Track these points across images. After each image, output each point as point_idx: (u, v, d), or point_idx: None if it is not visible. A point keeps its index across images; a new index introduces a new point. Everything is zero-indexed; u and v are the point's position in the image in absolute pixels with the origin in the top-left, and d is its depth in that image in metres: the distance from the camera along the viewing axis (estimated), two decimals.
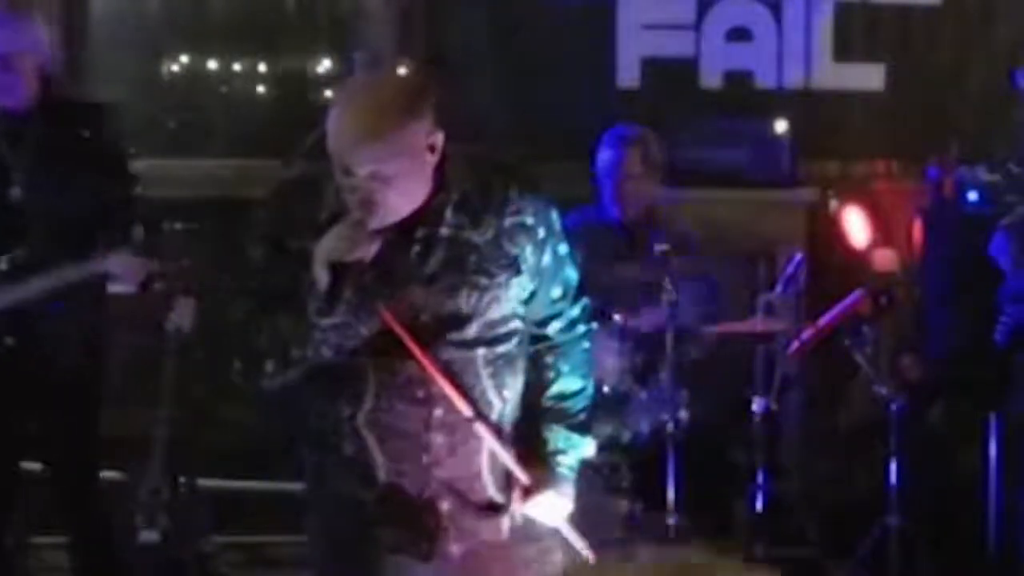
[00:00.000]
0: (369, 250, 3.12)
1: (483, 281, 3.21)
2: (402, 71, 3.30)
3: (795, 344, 5.83)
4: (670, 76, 7.02)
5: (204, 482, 5.89)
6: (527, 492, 3.34)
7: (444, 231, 3.20)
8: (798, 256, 5.99)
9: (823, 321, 5.79)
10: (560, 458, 3.40)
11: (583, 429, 3.42)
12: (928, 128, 6.91)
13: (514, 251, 3.25)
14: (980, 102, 6.96)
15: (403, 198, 3.14)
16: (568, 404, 3.41)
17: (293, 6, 7.48)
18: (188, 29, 7.39)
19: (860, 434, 6.37)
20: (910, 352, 6.17)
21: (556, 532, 3.41)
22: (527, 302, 3.31)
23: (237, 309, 3.29)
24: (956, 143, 6.54)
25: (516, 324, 3.30)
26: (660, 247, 5.52)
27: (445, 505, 3.29)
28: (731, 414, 5.99)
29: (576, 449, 3.41)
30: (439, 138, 3.15)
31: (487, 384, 3.26)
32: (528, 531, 3.37)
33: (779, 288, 5.93)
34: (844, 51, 7.01)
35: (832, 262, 6.53)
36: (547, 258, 3.30)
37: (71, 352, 4.95)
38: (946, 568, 5.75)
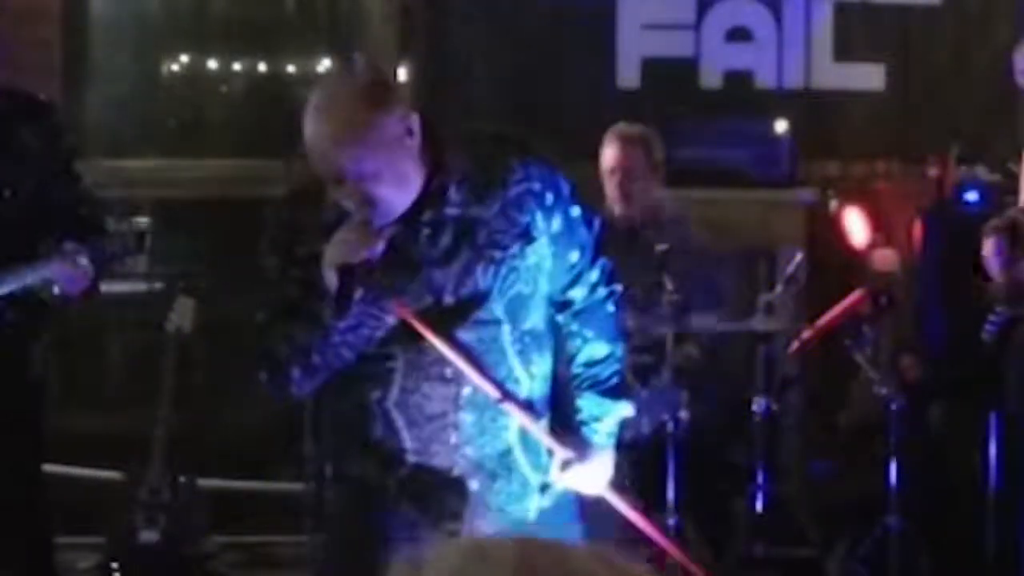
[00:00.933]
0: (375, 248, 3.13)
1: (497, 254, 3.22)
2: (356, 71, 3.29)
3: (795, 344, 5.83)
4: (670, 76, 7.03)
5: (204, 482, 5.89)
6: (565, 463, 3.33)
7: (450, 211, 3.21)
8: (798, 256, 5.99)
9: (823, 321, 5.79)
10: (596, 425, 3.39)
11: (616, 393, 3.41)
12: (928, 128, 6.92)
13: (524, 219, 3.25)
14: (980, 102, 6.96)
15: (397, 189, 3.15)
16: (597, 370, 3.40)
17: (293, 6, 7.48)
18: (188, 29, 7.39)
19: (860, 434, 6.37)
20: (910, 352, 6.17)
21: (576, 521, 3.41)
22: (546, 273, 3.31)
23: (257, 320, 3.29)
24: (956, 143, 6.54)
25: (538, 297, 3.30)
26: (660, 247, 5.52)
27: (474, 484, 3.29)
28: (731, 414, 5.99)
29: (611, 414, 3.40)
30: (413, 121, 3.17)
31: (514, 361, 3.27)
32: (555, 513, 3.37)
33: (779, 288, 5.94)
34: (844, 51, 7.01)
35: (832, 262, 6.53)
36: (558, 223, 3.29)
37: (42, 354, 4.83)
38: (946, 568, 5.75)
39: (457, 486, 3.28)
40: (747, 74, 7.04)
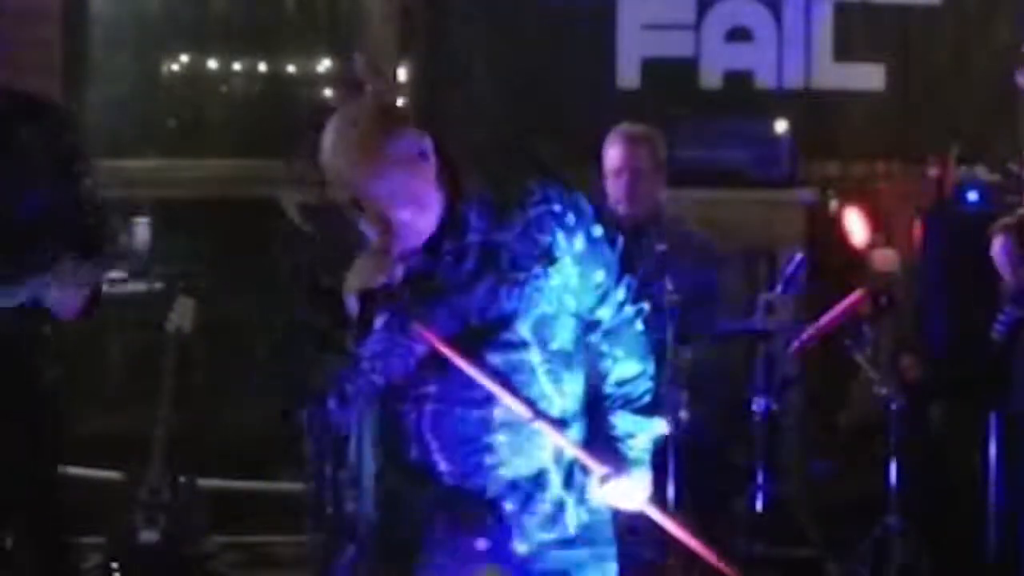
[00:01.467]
0: (395, 274, 3.15)
1: (520, 276, 3.23)
2: (367, 100, 3.33)
3: (795, 344, 5.83)
4: (670, 76, 7.02)
5: (204, 482, 5.90)
6: (603, 479, 3.34)
7: (472, 237, 3.23)
8: (798, 256, 5.98)
9: (823, 321, 5.78)
10: (631, 442, 3.40)
11: (649, 411, 3.42)
12: (928, 128, 6.92)
13: (546, 240, 3.26)
14: (980, 102, 6.96)
15: (415, 212, 3.17)
16: (629, 388, 3.41)
17: (293, 6, 7.48)
18: (188, 29, 7.40)
19: (860, 434, 6.37)
20: (910, 352, 6.17)
21: (613, 539, 3.42)
22: (572, 293, 3.32)
23: (289, 348, 3.33)
24: (956, 143, 6.54)
25: (564, 317, 3.31)
26: (660, 247, 5.52)
27: (510, 505, 3.30)
28: (731, 414, 5.98)
29: (645, 431, 3.41)
30: (427, 143, 3.19)
31: (544, 381, 3.28)
32: (590, 534, 3.38)
33: (779, 288, 5.93)
34: (844, 51, 7.01)
35: (832, 262, 6.53)
36: (581, 242, 3.30)
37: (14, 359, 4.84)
38: (946, 568, 5.75)
39: (493, 508, 3.29)
40: (747, 74, 7.04)
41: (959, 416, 6.12)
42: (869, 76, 7.01)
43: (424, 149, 3.18)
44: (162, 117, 7.37)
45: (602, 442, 3.37)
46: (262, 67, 7.45)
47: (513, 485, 3.29)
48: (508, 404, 3.23)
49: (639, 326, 3.43)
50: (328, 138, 3.17)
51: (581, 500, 3.36)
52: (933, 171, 6.54)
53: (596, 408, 3.41)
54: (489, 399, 3.23)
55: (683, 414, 5.54)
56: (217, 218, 6.94)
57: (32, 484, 4.98)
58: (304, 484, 5.94)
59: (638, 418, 3.40)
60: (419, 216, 3.18)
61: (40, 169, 4.72)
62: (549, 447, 3.30)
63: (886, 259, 6.42)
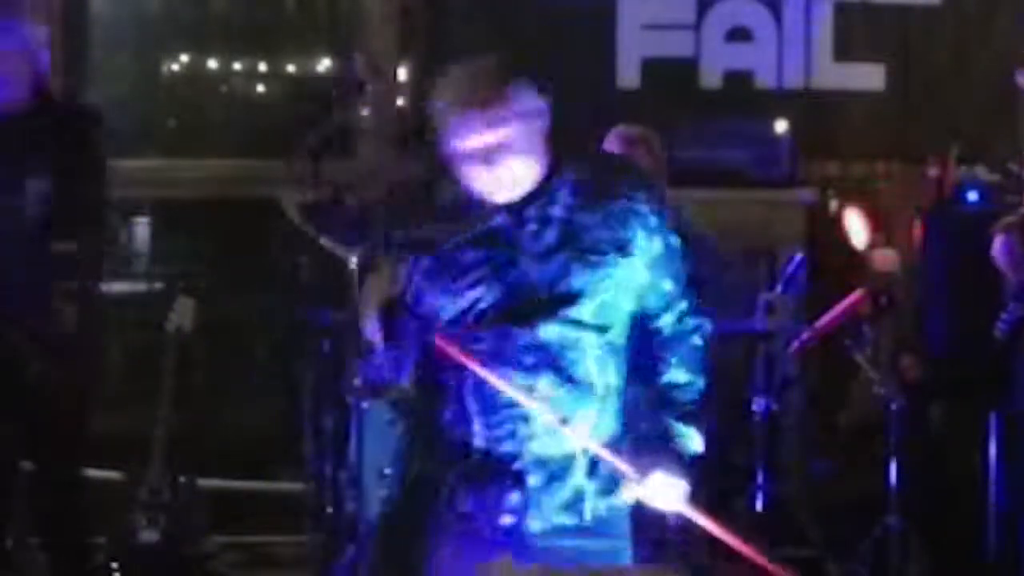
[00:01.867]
0: (405, 279, 3.26)
1: (594, 258, 3.29)
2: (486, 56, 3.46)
3: (795, 344, 5.83)
4: (670, 76, 7.02)
5: (204, 482, 5.90)
6: (639, 476, 3.35)
7: (557, 211, 3.30)
8: (798, 256, 5.99)
9: (823, 321, 5.79)
10: (671, 443, 3.41)
11: (690, 421, 3.43)
12: (928, 128, 6.91)
13: (625, 234, 3.31)
14: (980, 102, 6.96)
15: (523, 165, 3.26)
16: (677, 394, 3.42)
17: (293, 6, 7.49)
18: (188, 29, 7.40)
19: (860, 434, 6.37)
20: (910, 352, 6.17)
21: (627, 532, 3.44)
22: (638, 293, 3.36)
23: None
24: (956, 143, 6.54)
25: (623, 313, 3.35)
26: None
27: (534, 480, 3.32)
28: (731, 414, 5.98)
29: (685, 438, 3.42)
30: (544, 102, 3.33)
31: (592, 364, 3.31)
32: (606, 526, 3.40)
33: (779, 288, 5.94)
34: (844, 51, 7.01)
35: (832, 262, 6.53)
36: (658, 247, 3.35)
37: (38, 355, 4.89)
38: (946, 568, 5.75)
39: (518, 480, 3.31)
40: (747, 74, 7.03)
41: (959, 416, 6.12)
42: (869, 76, 7.01)
43: (542, 108, 3.31)
44: (162, 117, 7.37)
45: (642, 440, 3.39)
46: (262, 67, 7.45)
47: (541, 462, 3.31)
48: (556, 374, 3.26)
49: (697, 340, 3.45)
50: (453, 81, 3.30)
51: (601, 492, 3.38)
52: (933, 171, 6.54)
53: (636, 409, 3.43)
54: (537, 367, 3.26)
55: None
56: (217, 218, 6.94)
57: (41, 484, 5.02)
58: (304, 484, 5.95)
59: (677, 424, 3.42)
60: (524, 170, 3.26)
61: (67, 174, 4.81)
62: (585, 430, 3.33)
63: (886, 259, 6.42)
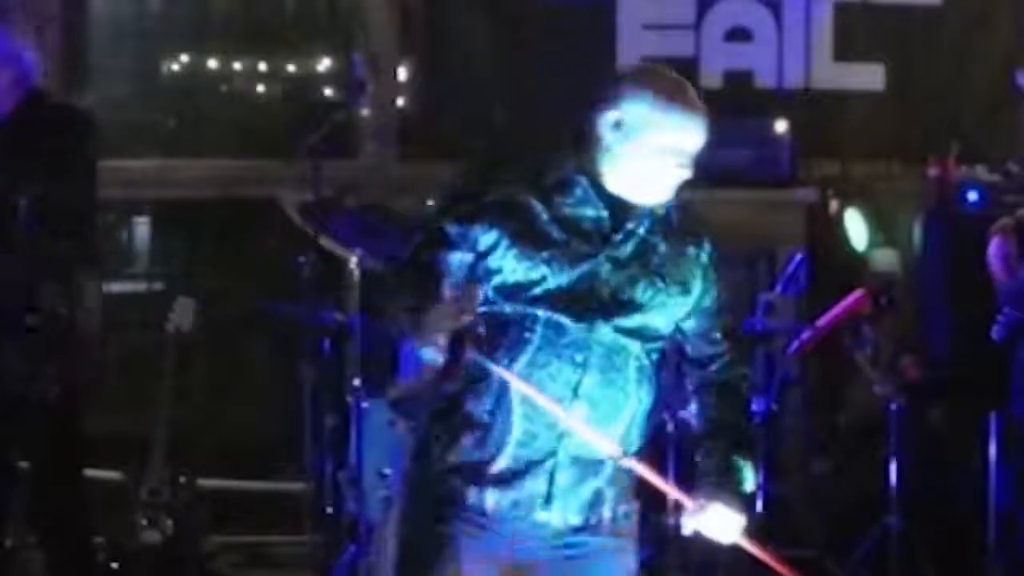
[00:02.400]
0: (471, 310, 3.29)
1: (659, 282, 3.41)
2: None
3: (795, 344, 5.83)
4: None
5: (204, 482, 5.89)
6: (698, 509, 3.45)
7: (641, 231, 3.41)
8: (798, 256, 5.98)
9: (823, 321, 5.79)
10: (728, 476, 3.51)
11: (747, 456, 3.55)
12: (928, 128, 6.91)
13: (689, 278, 3.45)
14: (980, 102, 6.96)
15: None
16: (729, 433, 3.55)
17: (293, 6, 7.49)
18: (188, 29, 7.40)
19: (860, 434, 6.37)
20: (910, 352, 6.17)
21: (635, 532, 3.51)
22: (686, 335, 3.50)
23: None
24: (956, 143, 6.54)
25: (662, 343, 3.47)
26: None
27: (563, 478, 3.37)
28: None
29: (738, 471, 3.52)
30: None
31: (632, 374, 3.40)
32: (616, 526, 3.47)
33: (779, 288, 5.94)
34: (844, 51, 7.01)
35: (832, 262, 6.53)
36: (710, 299, 3.49)
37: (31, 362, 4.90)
38: (946, 568, 5.75)
39: (550, 478, 3.36)
40: (747, 74, 7.03)
41: (959, 416, 6.12)
42: (869, 76, 7.01)
43: None
44: (162, 117, 7.37)
45: (702, 472, 3.51)
46: (262, 67, 7.45)
47: (573, 460, 3.37)
48: (601, 375, 3.35)
49: (744, 387, 3.58)
50: (684, 99, 3.51)
51: (617, 497, 3.46)
52: (933, 171, 6.54)
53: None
54: (585, 364, 3.33)
55: (683, 414, 5.54)
56: (217, 218, 6.94)
57: (38, 484, 5.02)
58: (304, 484, 5.95)
59: (738, 459, 3.53)
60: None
61: (49, 168, 4.79)
62: (617, 437, 3.40)
63: (886, 259, 6.42)
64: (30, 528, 5.22)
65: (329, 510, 5.69)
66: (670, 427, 5.51)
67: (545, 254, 3.33)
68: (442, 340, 3.22)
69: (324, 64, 7.42)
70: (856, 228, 6.35)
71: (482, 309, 3.33)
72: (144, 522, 5.58)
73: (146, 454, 5.62)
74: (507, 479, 3.36)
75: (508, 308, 3.35)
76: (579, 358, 3.34)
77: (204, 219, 6.97)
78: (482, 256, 3.35)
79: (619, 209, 3.39)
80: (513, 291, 3.34)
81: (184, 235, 7.08)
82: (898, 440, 5.68)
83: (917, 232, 6.48)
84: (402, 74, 7.07)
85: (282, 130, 6.84)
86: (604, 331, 3.35)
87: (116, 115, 7.12)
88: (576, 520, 3.40)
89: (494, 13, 7.05)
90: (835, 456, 6.57)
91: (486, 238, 3.34)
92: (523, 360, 3.33)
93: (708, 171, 6.88)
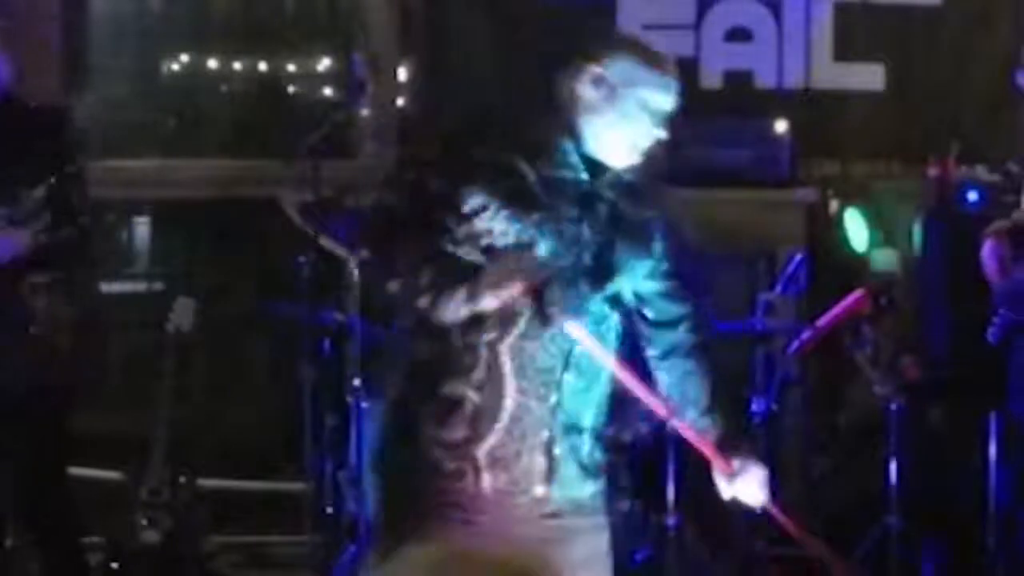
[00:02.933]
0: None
1: (629, 246, 3.40)
2: None
3: (795, 344, 5.83)
4: None
5: (204, 482, 5.89)
6: (735, 473, 3.46)
7: (611, 194, 3.40)
8: (798, 256, 5.98)
9: (823, 321, 5.79)
10: (742, 439, 3.54)
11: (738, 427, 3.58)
12: (928, 128, 6.91)
13: (649, 240, 3.45)
14: (980, 102, 6.96)
15: None
16: (716, 397, 3.55)
17: (293, 6, 7.49)
18: (188, 29, 7.40)
19: (860, 434, 6.37)
20: (910, 352, 6.17)
21: (604, 510, 3.49)
22: (654, 300, 3.48)
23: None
24: (956, 143, 6.53)
25: (629, 306, 3.46)
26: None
27: (557, 450, 3.36)
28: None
29: (746, 433, 3.56)
30: None
31: (612, 343, 3.41)
32: (594, 502, 3.46)
33: (779, 288, 5.93)
34: (844, 51, 7.00)
35: (832, 262, 6.53)
36: (667, 261, 3.49)
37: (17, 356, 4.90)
38: (946, 568, 5.75)
39: (545, 447, 3.35)
40: (747, 74, 7.03)
41: (959, 416, 6.12)
42: (869, 76, 7.00)
43: None
44: (162, 117, 7.37)
45: (716, 441, 3.51)
46: (262, 67, 7.45)
47: (566, 430, 3.36)
48: (588, 343, 3.32)
49: (702, 352, 3.55)
50: (666, 63, 3.43)
51: (596, 470, 3.44)
52: (933, 171, 6.54)
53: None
54: (572, 335, 3.32)
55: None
56: (217, 218, 6.94)
57: (25, 481, 5.02)
58: (304, 484, 5.95)
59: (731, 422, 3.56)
60: None
61: (38, 172, 4.79)
62: (594, 408, 3.40)
63: (886, 259, 6.42)
64: (27, 528, 5.21)
65: (329, 510, 5.69)
66: (670, 427, 5.50)
67: (536, 216, 3.30)
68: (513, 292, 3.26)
69: (324, 64, 7.42)
70: (856, 228, 6.34)
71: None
72: (144, 522, 5.58)
73: (146, 454, 5.62)
74: (503, 456, 3.33)
75: None
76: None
77: (204, 219, 6.96)
78: (466, 218, 3.30)
79: (595, 173, 3.38)
80: (501, 250, 3.30)
81: (184, 235, 7.08)
82: (898, 440, 5.68)
83: (917, 232, 6.48)
84: (402, 74, 7.07)
85: (282, 130, 6.84)
86: (594, 299, 3.35)
87: (116, 115, 7.12)
88: (568, 493, 3.37)
89: (494, 13, 7.05)
90: (835, 456, 6.57)
91: (475, 200, 3.29)
92: (514, 332, 3.30)
93: (708, 171, 6.95)
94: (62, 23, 6.86)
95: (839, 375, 6.42)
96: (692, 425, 3.51)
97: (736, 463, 3.46)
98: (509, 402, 3.32)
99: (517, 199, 3.30)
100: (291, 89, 7.44)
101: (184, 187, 6.89)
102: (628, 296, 3.45)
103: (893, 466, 5.67)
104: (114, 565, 5.57)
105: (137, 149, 7.06)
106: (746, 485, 3.47)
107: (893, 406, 5.68)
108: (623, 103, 3.37)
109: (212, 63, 7.42)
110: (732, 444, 3.49)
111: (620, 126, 3.37)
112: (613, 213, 3.39)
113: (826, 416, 6.64)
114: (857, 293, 5.79)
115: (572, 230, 3.33)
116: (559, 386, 3.32)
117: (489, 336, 3.30)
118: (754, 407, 5.82)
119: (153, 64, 7.36)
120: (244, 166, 6.88)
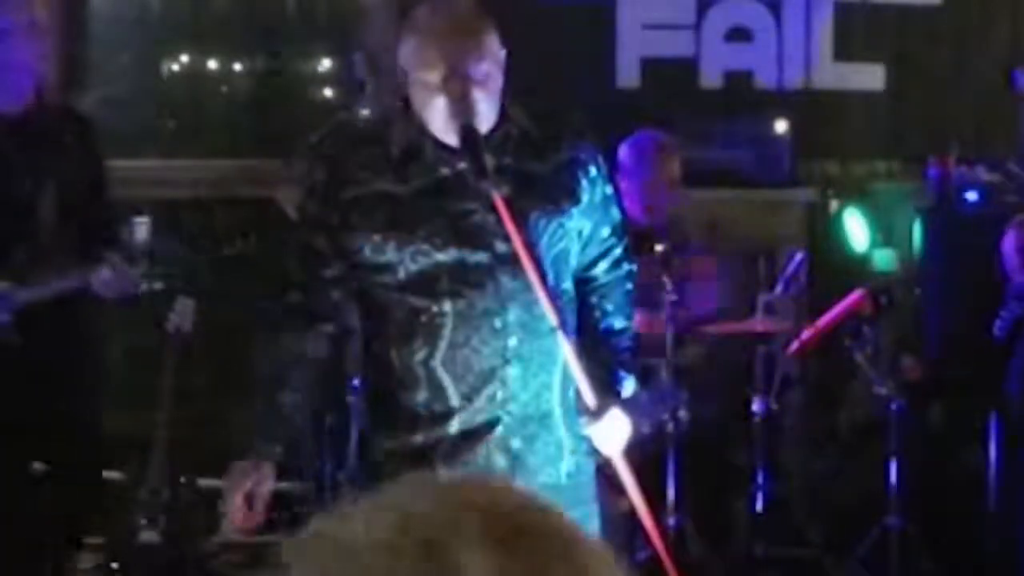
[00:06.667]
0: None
1: (550, 207, 3.31)
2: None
3: (795, 344, 5.83)
4: (670, 76, 7.02)
5: (204, 482, 5.89)
6: (594, 413, 3.35)
7: (508, 160, 3.29)
8: (798, 256, 5.99)
9: (823, 321, 5.79)
10: (617, 388, 3.46)
11: (627, 368, 3.49)
12: (928, 128, 6.92)
13: (573, 184, 3.36)
14: (980, 102, 6.96)
15: (489, 106, 3.27)
16: (614, 341, 3.48)
17: (293, 6, 7.48)
18: (188, 29, 7.40)
19: (860, 434, 6.37)
20: (910, 352, 6.17)
21: (594, 497, 3.44)
22: (581, 242, 3.40)
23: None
24: (956, 143, 6.54)
25: (572, 262, 3.38)
26: (660, 247, 5.52)
27: (516, 443, 3.31)
28: (731, 414, 5.99)
29: (621, 384, 3.47)
30: (504, 56, 3.34)
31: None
32: (577, 488, 3.39)
33: (779, 288, 5.94)
34: (844, 51, 7.01)
35: (832, 262, 6.53)
36: (598, 195, 3.41)
37: (69, 351, 4.95)
38: (946, 568, 5.75)
39: (501, 444, 3.30)
40: (747, 74, 7.03)
41: (959, 416, 6.12)
42: (869, 76, 7.01)
43: (503, 57, 3.33)
44: (162, 117, 7.37)
45: (593, 381, 3.36)
46: (262, 67, 7.45)
47: (523, 421, 3.30)
48: (523, 332, 3.25)
49: (629, 286, 3.51)
50: (440, 11, 3.28)
51: (574, 449, 3.39)
52: (933, 171, 6.54)
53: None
54: (505, 329, 3.25)
55: (683, 414, 5.55)
56: (217, 218, 6.94)
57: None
58: (304, 484, 5.95)
59: (618, 370, 3.47)
60: (490, 111, 3.27)
61: (73, 174, 4.83)
62: (556, 387, 3.32)
63: (886, 259, 6.42)
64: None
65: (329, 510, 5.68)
66: (670, 427, 5.51)
67: (422, 232, 3.23)
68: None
69: (324, 64, 7.41)
70: (856, 228, 6.35)
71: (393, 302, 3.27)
72: (144, 522, 5.58)
73: (146, 454, 5.62)
74: (463, 459, 3.29)
75: (411, 298, 3.26)
76: (498, 323, 3.25)
77: (204, 219, 6.96)
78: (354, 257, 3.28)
79: (472, 152, 3.23)
80: (410, 283, 3.25)
81: (184, 235, 7.07)
82: (898, 440, 5.68)
83: (917, 232, 6.48)
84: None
85: (282, 130, 6.84)
86: (512, 285, 3.24)
87: (116, 115, 7.12)
88: (539, 480, 3.29)
89: (494, 13, 7.04)
90: (835, 456, 6.57)
91: (353, 241, 3.27)
92: (442, 345, 3.25)
93: (708, 171, 6.95)
94: (62, 23, 6.86)
95: (839, 375, 6.42)
96: (595, 365, 3.38)
97: (602, 403, 3.34)
98: (457, 410, 3.28)
99: (397, 226, 3.24)
100: (291, 89, 7.43)
101: (184, 187, 6.89)
102: (577, 246, 3.38)
103: (893, 466, 5.67)
104: (114, 565, 5.56)
105: (137, 149, 7.05)
106: (605, 428, 3.36)
107: (893, 406, 5.68)
108: (426, 83, 3.24)
109: (212, 63, 7.42)
110: (609, 388, 3.40)
111: (441, 104, 3.23)
112: (520, 179, 3.27)
113: (826, 416, 6.64)
114: (857, 293, 5.79)
115: (470, 223, 3.25)
116: (505, 382, 3.27)
117: (419, 356, 3.27)
118: (754, 407, 5.82)
119: (153, 64, 7.36)
120: (243, 166, 6.88)
